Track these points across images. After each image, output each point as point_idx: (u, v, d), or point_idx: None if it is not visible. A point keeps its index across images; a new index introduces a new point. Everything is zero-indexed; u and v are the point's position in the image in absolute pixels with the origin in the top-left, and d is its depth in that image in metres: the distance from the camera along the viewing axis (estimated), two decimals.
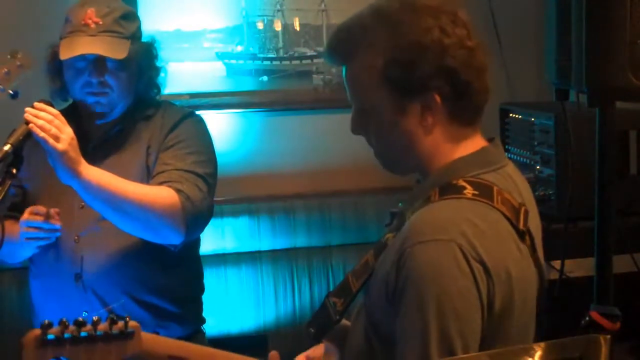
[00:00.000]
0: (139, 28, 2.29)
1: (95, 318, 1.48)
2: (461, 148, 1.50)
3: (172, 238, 2.15)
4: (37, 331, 1.44)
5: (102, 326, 1.48)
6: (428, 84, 1.44)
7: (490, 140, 1.55)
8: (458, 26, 1.46)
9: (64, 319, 1.45)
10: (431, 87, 1.44)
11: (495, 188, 1.44)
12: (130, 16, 2.26)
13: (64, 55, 2.15)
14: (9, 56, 2.15)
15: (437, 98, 1.45)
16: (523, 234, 1.44)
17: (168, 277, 2.26)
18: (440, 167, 1.49)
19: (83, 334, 1.47)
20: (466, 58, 1.45)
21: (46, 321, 1.44)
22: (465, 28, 1.47)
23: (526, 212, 1.46)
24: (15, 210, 2.30)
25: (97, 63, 2.17)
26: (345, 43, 1.51)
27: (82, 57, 2.17)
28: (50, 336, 1.45)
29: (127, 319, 1.50)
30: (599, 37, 1.99)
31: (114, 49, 2.16)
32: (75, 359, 1.47)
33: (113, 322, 1.49)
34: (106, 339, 1.48)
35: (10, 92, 2.12)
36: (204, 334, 2.42)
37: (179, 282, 2.29)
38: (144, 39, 2.31)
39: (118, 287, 2.19)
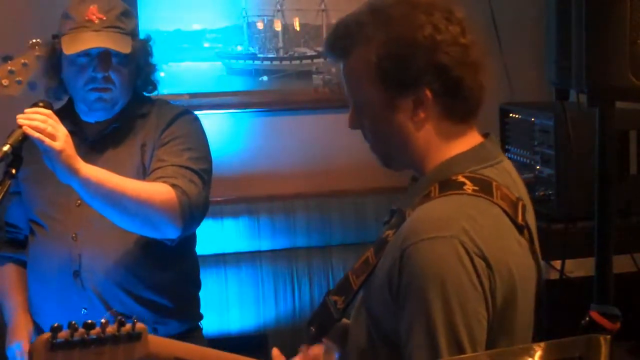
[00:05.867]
0: (137, 25, 2.32)
1: (103, 320, 1.47)
2: (456, 145, 1.51)
3: (170, 232, 2.16)
4: (47, 335, 1.43)
5: (111, 328, 1.47)
6: (419, 79, 1.46)
7: (485, 135, 1.56)
8: (452, 23, 1.48)
9: (74, 322, 1.45)
10: (422, 82, 1.46)
11: (494, 183, 1.45)
12: (130, 13, 2.28)
13: (69, 50, 2.15)
14: (29, 46, 2.11)
15: (429, 93, 1.46)
16: (522, 228, 1.46)
17: (165, 273, 2.27)
18: (437, 163, 1.50)
19: (92, 337, 1.46)
20: (459, 55, 1.46)
21: (55, 324, 1.43)
22: (460, 25, 1.48)
23: (524, 207, 1.48)
24: (19, 247, 2.38)
25: (103, 58, 2.17)
26: (342, 39, 1.53)
27: (86, 53, 2.17)
28: (60, 340, 1.44)
29: (135, 320, 1.49)
30: (599, 37, 1.99)
31: (119, 44, 2.18)
32: None
33: (121, 324, 1.48)
34: (114, 341, 1.48)
35: (27, 84, 2.08)
36: (201, 330, 2.43)
37: (176, 278, 2.30)
38: (140, 37, 2.33)
39: (116, 284, 2.19)
